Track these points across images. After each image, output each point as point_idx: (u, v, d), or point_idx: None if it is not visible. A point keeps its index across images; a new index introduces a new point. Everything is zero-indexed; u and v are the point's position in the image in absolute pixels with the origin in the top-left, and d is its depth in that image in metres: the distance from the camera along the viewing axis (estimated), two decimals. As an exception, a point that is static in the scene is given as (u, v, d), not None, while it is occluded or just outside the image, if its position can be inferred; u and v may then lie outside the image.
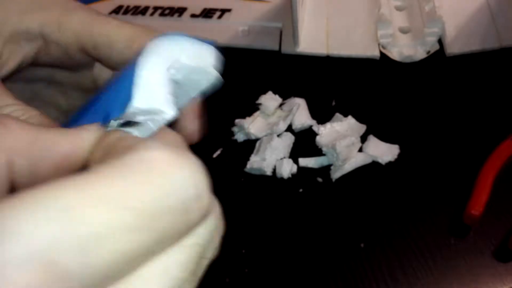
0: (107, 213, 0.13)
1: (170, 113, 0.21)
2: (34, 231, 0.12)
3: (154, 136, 0.21)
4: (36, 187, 0.13)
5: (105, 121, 0.21)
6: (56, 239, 0.12)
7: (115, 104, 0.21)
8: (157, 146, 0.15)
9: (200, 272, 0.17)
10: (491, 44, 0.54)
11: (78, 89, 0.33)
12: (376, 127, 0.48)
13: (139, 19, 0.60)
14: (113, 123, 0.21)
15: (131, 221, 0.13)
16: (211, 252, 0.18)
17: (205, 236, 0.17)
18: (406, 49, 0.55)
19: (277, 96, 0.51)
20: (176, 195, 0.15)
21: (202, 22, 0.59)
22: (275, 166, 0.46)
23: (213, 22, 0.59)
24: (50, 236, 0.12)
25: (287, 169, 0.45)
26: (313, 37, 0.56)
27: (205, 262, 0.17)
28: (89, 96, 0.26)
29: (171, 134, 0.20)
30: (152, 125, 0.21)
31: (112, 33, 0.27)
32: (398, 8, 0.59)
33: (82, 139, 0.18)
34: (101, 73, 0.32)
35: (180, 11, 0.60)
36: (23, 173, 0.17)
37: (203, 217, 0.16)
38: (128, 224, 0.13)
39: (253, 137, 0.48)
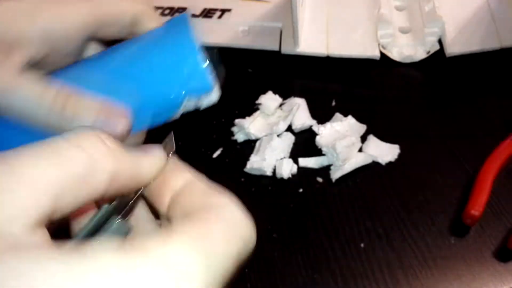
0: None
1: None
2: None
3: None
4: None
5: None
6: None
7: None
8: (230, 203, 0.20)
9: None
10: (491, 44, 0.54)
11: None
12: (376, 127, 0.48)
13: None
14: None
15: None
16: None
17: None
18: (406, 49, 0.55)
19: (277, 96, 0.51)
20: (245, 246, 0.19)
21: (202, 22, 0.59)
22: (275, 166, 0.46)
23: (213, 22, 0.59)
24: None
25: (287, 169, 0.45)
26: (313, 37, 0.56)
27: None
28: None
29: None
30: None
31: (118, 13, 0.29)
32: (398, 8, 0.59)
33: (154, 169, 0.21)
34: None
35: (180, 11, 0.60)
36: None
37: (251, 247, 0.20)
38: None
39: (253, 137, 0.48)
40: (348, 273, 0.39)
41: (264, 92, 0.51)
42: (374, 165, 0.46)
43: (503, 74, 0.53)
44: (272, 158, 0.46)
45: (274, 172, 0.46)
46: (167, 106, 0.28)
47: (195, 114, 0.52)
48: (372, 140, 0.47)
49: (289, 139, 0.48)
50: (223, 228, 0.18)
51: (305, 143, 0.48)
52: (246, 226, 0.19)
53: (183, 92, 0.28)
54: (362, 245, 0.40)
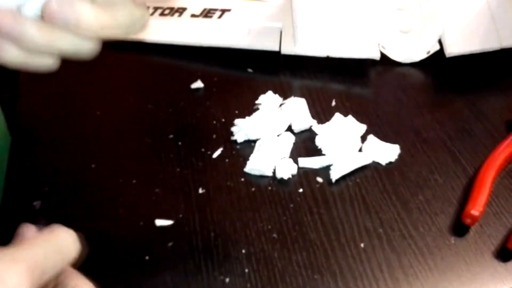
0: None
1: None
2: None
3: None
4: None
5: None
6: None
7: None
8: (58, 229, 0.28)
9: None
10: (491, 44, 0.54)
11: None
12: (376, 127, 0.48)
13: (139, 19, 0.60)
14: None
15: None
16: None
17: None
18: (406, 49, 0.55)
19: (277, 96, 0.51)
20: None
21: (202, 22, 0.59)
22: (275, 166, 0.46)
23: (213, 22, 0.59)
24: None
25: (287, 169, 0.45)
26: (313, 37, 0.56)
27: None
28: None
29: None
30: None
31: None
32: (398, 8, 0.59)
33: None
34: None
35: (180, 11, 0.60)
36: None
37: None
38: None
39: (253, 137, 0.48)
40: (348, 273, 0.39)
41: (264, 92, 0.51)
42: (374, 165, 0.46)
43: (503, 74, 0.53)
44: (272, 158, 0.46)
45: (274, 172, 0.46)
46: None
47: (195, 114, 0.52)
48: (372, 140, 0.47)
49: (289, 139, 0.48)
50: (44, 246, 0.26)
51: (305, 143, 0.48)
52: (66, 242, 0.27)
53: None
54: (362, 245, 0.40)
